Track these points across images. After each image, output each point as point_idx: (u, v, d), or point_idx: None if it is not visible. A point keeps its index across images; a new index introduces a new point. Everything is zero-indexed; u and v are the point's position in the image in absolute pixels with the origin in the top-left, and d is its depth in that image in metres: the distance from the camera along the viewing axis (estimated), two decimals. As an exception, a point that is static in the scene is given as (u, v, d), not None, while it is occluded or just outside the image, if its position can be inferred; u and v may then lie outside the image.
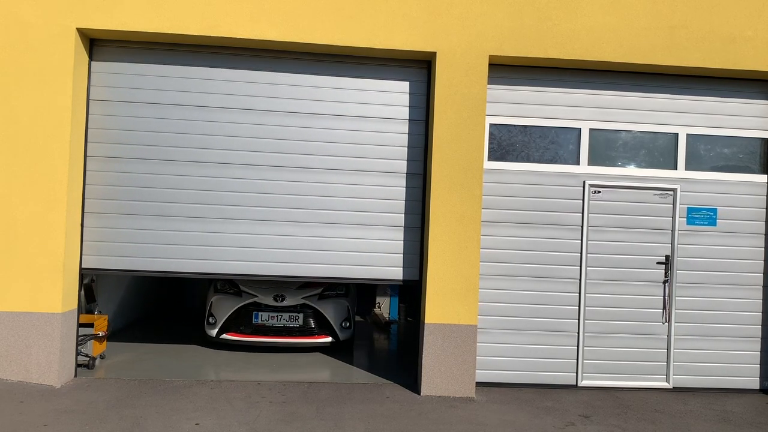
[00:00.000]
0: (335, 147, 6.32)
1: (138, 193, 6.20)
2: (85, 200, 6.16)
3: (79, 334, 6.31)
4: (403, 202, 6.39)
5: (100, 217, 6.18)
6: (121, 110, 6.18)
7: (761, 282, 6.62)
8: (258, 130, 6.26)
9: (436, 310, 6.04)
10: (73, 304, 6.08)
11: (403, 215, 6.39)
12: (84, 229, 6.16)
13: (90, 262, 6.19)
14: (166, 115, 6.20)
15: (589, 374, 6.50)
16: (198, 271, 6.24)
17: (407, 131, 6.37)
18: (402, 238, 6.39)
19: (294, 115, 6.29)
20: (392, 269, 6.39)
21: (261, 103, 6.26)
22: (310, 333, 7.65)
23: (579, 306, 6.48)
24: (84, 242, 6.17)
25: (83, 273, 6.20)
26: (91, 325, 6.52)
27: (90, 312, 7.16)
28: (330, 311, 7.75)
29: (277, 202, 6.28)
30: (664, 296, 6.55)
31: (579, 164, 6.50)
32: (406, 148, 6.37)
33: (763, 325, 6.62)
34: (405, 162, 6.37)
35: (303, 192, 6.31)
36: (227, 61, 6.25)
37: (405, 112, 6.36)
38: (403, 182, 6.37)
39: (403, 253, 6.39)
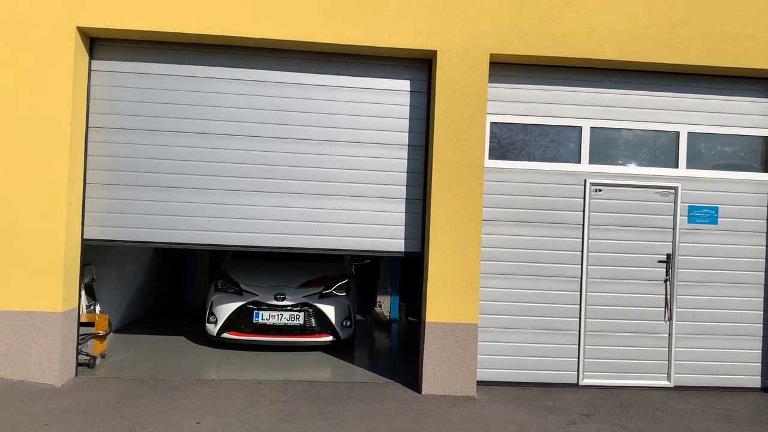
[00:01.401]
0: (335, 119, 6.32)
1: (138, 164, 6.19)
2: (87, 171, 6.15)
3: (80, 333, 6.30)
4: (405, 174, 6.37)
5: (102, 188, 6.17)
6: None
7: (762, 280, 6.61)
8: (258, 102, 6.25)
9: (436, 309, 6.03)
10: (74, 304, 6.07)
11: (404, 187, 6.37)
12: (86, 200, 6.15)
13: (92, 233, 6.18)
14: (166, 86, 6.22)
15: (590, 373, 6.49)
16: (199, 242, 6.23)
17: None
18: (403, 210, 6.37)
19: (292, 87, 6.31)
20: (394, 241, 6.37)
21: (261, 76, 6.29)
22: (310, 332, 7.65)
23: (580, 304, 6.47)
24: (86, 213, 6.16)
25: (85, 244, 6.19)
26: (91, 324, 6.52)
27: (90, 311, 7.16)
28: (331, 310, 7.74)
29: (277, 173, 6.27)
30: (666, 295, 6.54)
31: (580, 163, 6.49)
32: (407, 120, 6.35)
33: (764, 323, 6.61)
34: (406, 134, 6.35)
35: (303, 163, 6.29)
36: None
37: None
38: (405, 154, 6.35)
39: (405, 225, 6.37)
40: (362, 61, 6.32)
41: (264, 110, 6.25)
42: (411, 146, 6.36)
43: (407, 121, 6.36)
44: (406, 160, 6.36)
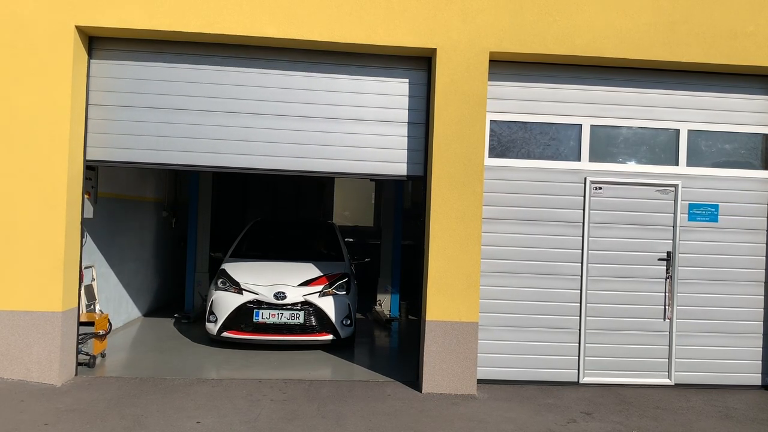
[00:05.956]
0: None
1: (141, 85, 6.17)
2: (90, 92, 6.12)
3: (80, 332, 6.29)
4: (407, 97, 6.33)
5: (105, 109, 6.15)
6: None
7: (762, 278, 6.60)
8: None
9: (437, 308, 6.02)
10: (74, 303, 6.07)
11: (406, 111, 6.34)
12: (89, 121, 6.13)
13: (95, 155, 6.16)
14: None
15: (590, 371, 6.49)
16: (201, 164, 6.22)
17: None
18: (406, 134, 6.33)
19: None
20: (396, 165, 6.34)
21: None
22: (311, 330, 7.63)
23: (580, 303, 6.46)
24: (88, 134, 6.14)
25: (88, 165, 6.19)
26: (91, 324, 6.51)
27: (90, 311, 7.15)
28: (331, 309, 7.72)
29: (279, 95, 6.25)
30: (666, 293, 6.54)
31: (580, 161, 6.48)
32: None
33: (764, 321, 6.60)
34: (409, 59, 6.34)
35: (305, 86, 6.28)
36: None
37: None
38: (407, 79, 6.32)
39: (407, 149, 6.33)
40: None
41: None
42: (413, 70, 6.35)
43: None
44: (407, 85, 6.32)
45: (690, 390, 6.47)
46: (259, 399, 5.65)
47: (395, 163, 6.34)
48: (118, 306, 8.64)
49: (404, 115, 6.33)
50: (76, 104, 5.91)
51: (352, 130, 6.29)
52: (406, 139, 6.34)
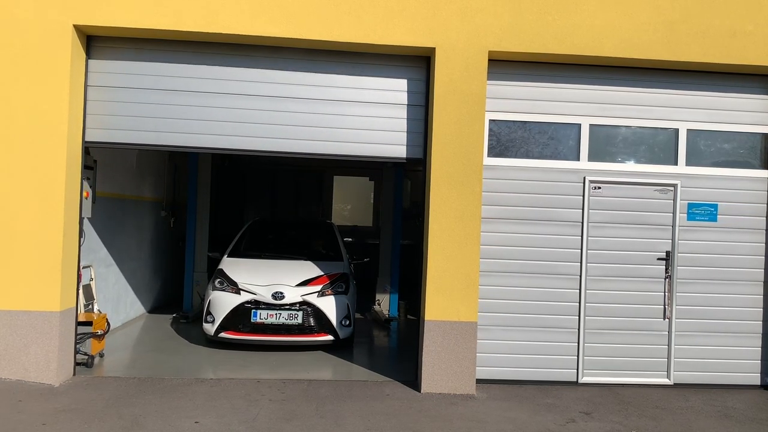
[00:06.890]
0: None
1: (142, 67, 6.16)
2: (89, 74, 6.11)
3: (78, 332, 6.27)
4: (405, 80, 6.32)
5: (105, 90, 6.13)
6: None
7: (762, 278, 6.60)
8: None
9: (435, 308, 6.01)
10: (72, 303, 6.05)
11: (406, 94, 6.32)
12: (87, 102, 6.11)
13: (95, 136, 6.13)
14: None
15: (589, 371, 6.48)
16: (201, 145, 6.22)
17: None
18: (405, 116, 6.33)
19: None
20: (395, 147, 6.33)
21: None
22: (309, 331, 7.60)
23: (579, 302, 6.45)
24: (88, 115, 6.11)
25: (87, 147, 6.16)
26: (89, 324, 6.49)
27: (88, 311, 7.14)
28: (330, 309, 7.68)
29: (278, 78, 6.25)
30: (665, 292, 6.53)
31: (579, 160, 6.47)
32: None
33: (763, 320, 6.60)
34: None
35: (305, 72, 6.28)
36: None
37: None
38: (405, 76, 6.33)
39: (407, 132, 6.32)
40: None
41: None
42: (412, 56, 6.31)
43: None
44: (407, 67, 6.32)
45: (689, 390, 6.47)
46: (257, 399, 5.63)
47: (394, 145, 6.32)
48: (117, 306, 8.63)
49: (403, 98, 6.33)
50: (74, 102, 5.89)
51: (352, 112, 6.28)
52: (405, 121, 6.32)
